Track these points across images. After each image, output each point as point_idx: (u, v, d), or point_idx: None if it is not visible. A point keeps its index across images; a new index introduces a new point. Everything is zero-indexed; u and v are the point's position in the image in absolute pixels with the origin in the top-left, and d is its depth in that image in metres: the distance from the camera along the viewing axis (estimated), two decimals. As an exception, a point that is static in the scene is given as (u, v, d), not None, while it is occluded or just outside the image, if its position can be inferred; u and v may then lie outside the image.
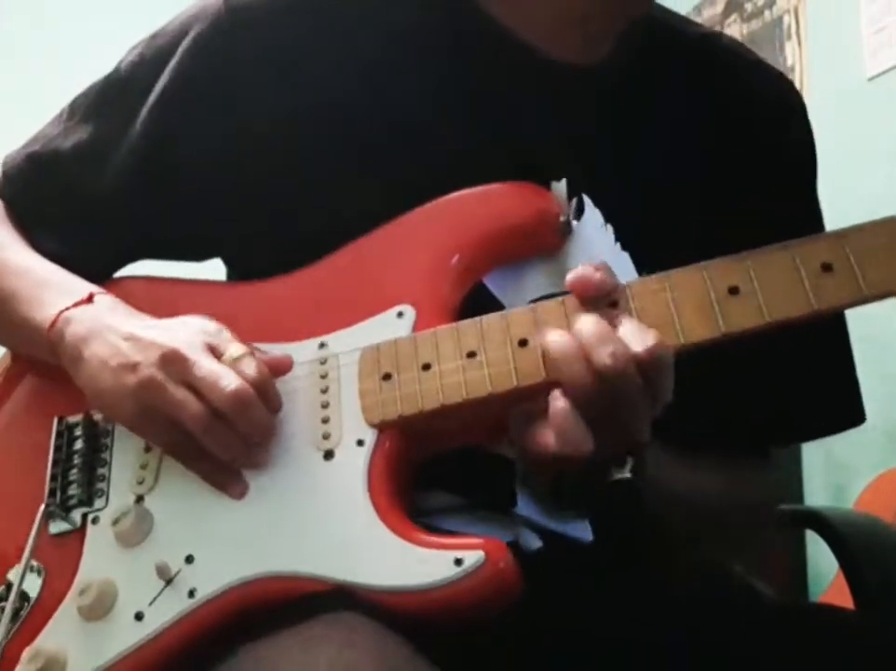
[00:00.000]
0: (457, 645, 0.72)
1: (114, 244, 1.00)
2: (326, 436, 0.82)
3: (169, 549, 0.82)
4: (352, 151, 0.91)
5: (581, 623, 0.83)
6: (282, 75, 0.92)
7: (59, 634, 0.82)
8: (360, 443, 0.81)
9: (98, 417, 0.91)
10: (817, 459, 2.70)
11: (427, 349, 0.81)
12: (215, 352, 0.83)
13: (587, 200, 0.91)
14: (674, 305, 0.77)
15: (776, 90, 1.04)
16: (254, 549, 0.80)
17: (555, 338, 0.76)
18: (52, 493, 0.88)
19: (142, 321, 0.88)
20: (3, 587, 0.85)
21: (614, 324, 0.75)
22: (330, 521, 0.79)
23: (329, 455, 0.81)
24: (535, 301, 0.84)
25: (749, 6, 3.17)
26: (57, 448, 0.90)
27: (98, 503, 0.87)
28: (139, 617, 0.80)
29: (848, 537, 1.26)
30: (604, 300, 0.78)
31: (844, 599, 1.19)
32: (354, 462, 0.80)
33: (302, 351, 0.86)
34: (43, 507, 0.87)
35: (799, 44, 2.95)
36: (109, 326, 0.87)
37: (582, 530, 0.90)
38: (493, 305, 0.86)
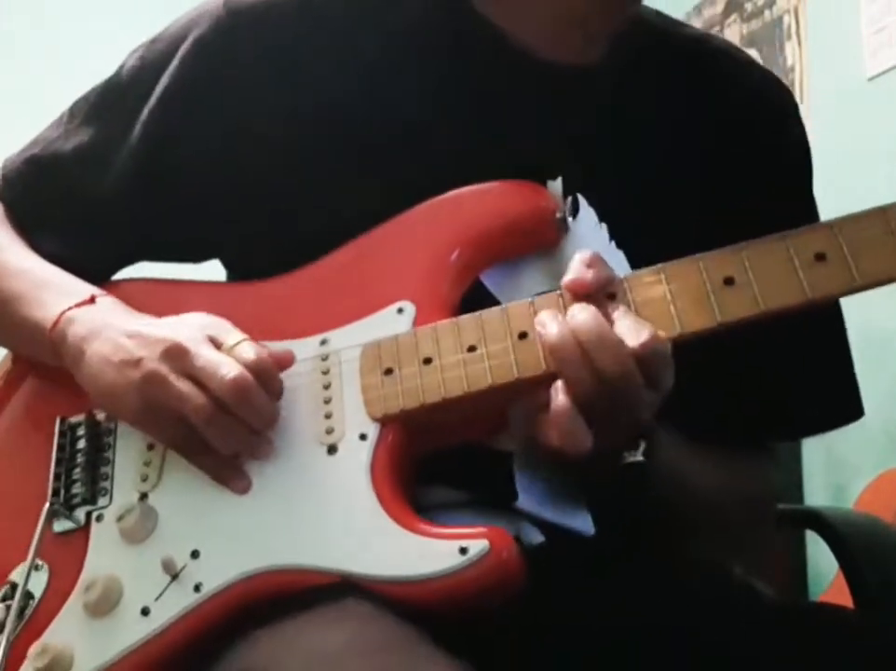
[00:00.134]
0: (460, 639, 0.72)
1: (114, 246, 1.01)
2: (329, 431, 0.83)
3: (175, 544, 0.82)
4: (352, 151, 0.92)
5: (583, 617, 0.83)
6: (282, 76, 0.93)
7: (65, 630, 0.82)
8: (363, 437, 0.81)
9: (100, 416, 0.91)
10: (817, 459, 2.70)
11: (428, 343, 0.82)
12: (215, 343, 0.83)
13: (581, 199, 0.92)
14: (671, 296, 0.78)
15: (771, 91, 1.04)
16: (259, 543, 0.80)
17: (554, 333, 0.76)
18: (56, 492, 0.89)
19: (144, 319, 0.89)
20: (7, 586, 0.86)
21: (611, 320, 0.76)
22: (334, 514, 0.80)
23: (332, 449, 0.82)
24: None
25: (749, 6, 3.17)
26: (60, 448, 0.91)
27: (102, 501, 0.88)
28: (145, 612, 0.80)
29: (848, 537, 1.26)
30: (601, 292, 0.79)
31: (844, 599, 1.19)
32: (357, 456, 0.81)
33: (303, 348, 0.86)
34: (47, 506, 0.87)
35: (799, 44, 2.95)
36: (111, 325, 0.88)
37: (584, 523, 0.91)
38: (490, 303, 0.86)
